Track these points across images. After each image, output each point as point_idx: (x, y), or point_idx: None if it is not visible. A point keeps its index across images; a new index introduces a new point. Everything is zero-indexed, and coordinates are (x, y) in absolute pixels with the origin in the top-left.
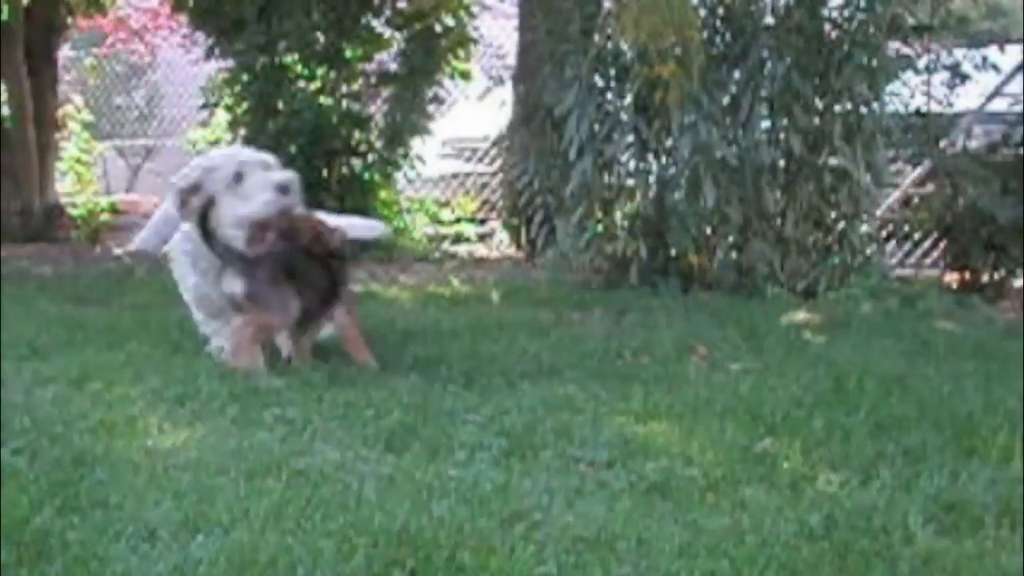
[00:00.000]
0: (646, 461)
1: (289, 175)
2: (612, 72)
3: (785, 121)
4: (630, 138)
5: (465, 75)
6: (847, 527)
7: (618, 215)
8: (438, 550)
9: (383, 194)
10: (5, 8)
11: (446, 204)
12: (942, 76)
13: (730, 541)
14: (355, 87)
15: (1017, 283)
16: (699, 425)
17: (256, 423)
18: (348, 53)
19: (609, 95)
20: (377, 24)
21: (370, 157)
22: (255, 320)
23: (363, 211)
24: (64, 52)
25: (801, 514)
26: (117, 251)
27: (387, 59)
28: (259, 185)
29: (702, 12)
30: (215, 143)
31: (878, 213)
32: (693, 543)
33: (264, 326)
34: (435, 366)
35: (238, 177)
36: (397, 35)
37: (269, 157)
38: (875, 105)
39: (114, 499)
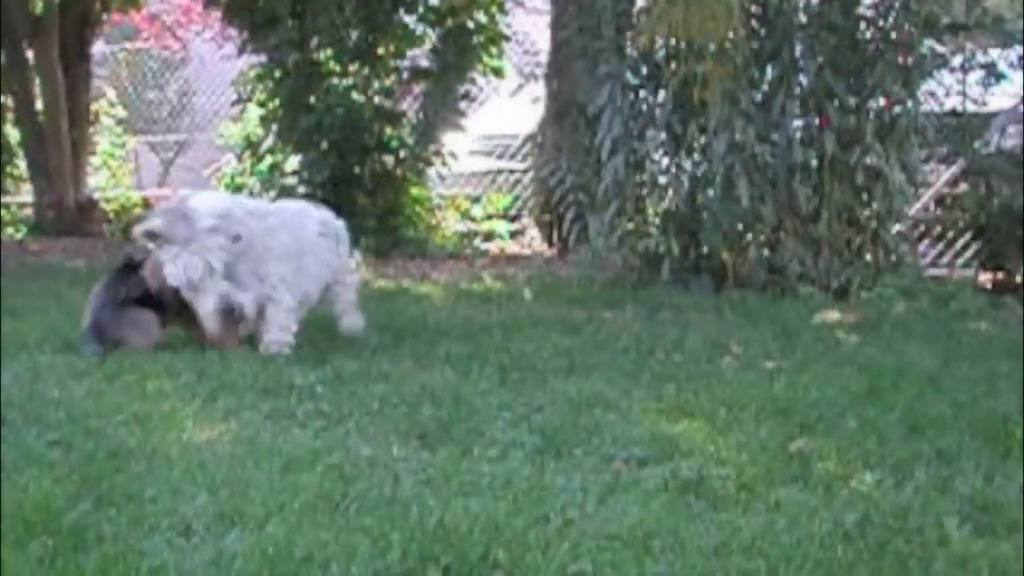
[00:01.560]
0: (680, 460)
1: None
2: (646, 69)
3: (817, 120)
4: (663, 136)
5: (497, 72)
6: (882, 528)
7: (650, 213)
8: (473, 547)
9: (415, 191)
10: (39, 2)
11: (478, 201)
12: (977, 75)
13: (764, 541)
14: (388, 83)
15: None
16: (732, 424)
17: (290, 418)
18: (381, 49)
19: (643, 92)
20: (410, 21)
21: (402, 153)
22: None
23: (395, 208)
24: (98, 47)
25: (836, 514)
26: None
27: (420, 56)
28: None
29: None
30: (247, 138)
31: (911, 212)
32: (727, 542)
33: None
34: (467, 363)
35: None
36: (430, 32)
37: None
38: (909, 104)
39: (149, 492)
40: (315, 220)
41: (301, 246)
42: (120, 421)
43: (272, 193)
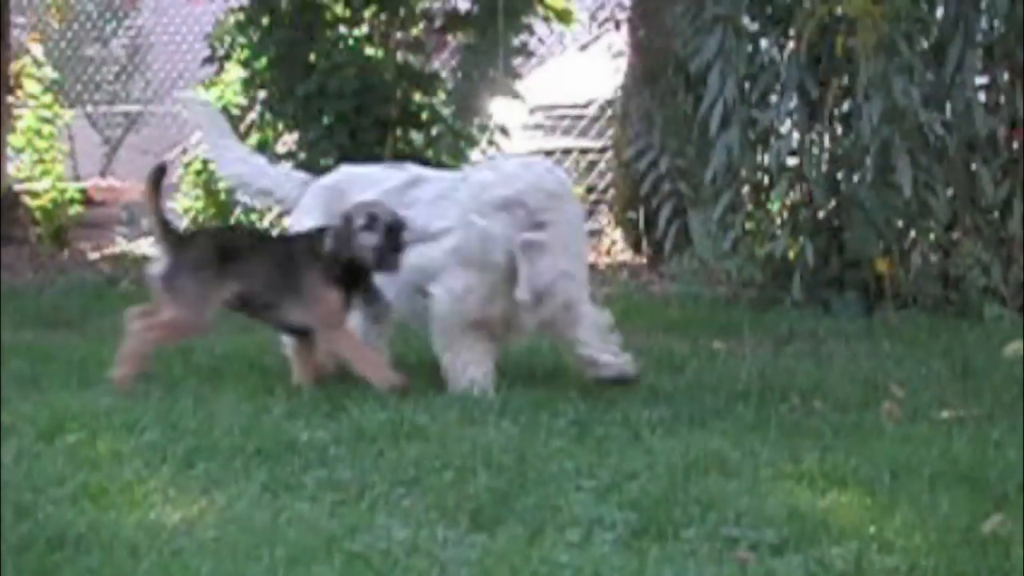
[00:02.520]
0: (828, 544)
1: None
2: (769, 10)
3: (1007, 75)
4: (794, 101)
5: (564, 17)
6: None
7: (776, 206)
8: None
9: None
10: None
11: None
12: None
13: None
14: (415, 34)
15: None
16: (899, 496)
17: (295, 489)
18: None
19: (765, 42)
20: None
21: (435, 129)
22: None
23: None
24: None
25: None
26: None
27: None
28: None
29: None
30: (224, 110)
31: None
32: None
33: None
34: (533, 412)
35: None
36: None
37: None
38: None
39: None
40: None
41: None
42: (63, 496)
43: None
